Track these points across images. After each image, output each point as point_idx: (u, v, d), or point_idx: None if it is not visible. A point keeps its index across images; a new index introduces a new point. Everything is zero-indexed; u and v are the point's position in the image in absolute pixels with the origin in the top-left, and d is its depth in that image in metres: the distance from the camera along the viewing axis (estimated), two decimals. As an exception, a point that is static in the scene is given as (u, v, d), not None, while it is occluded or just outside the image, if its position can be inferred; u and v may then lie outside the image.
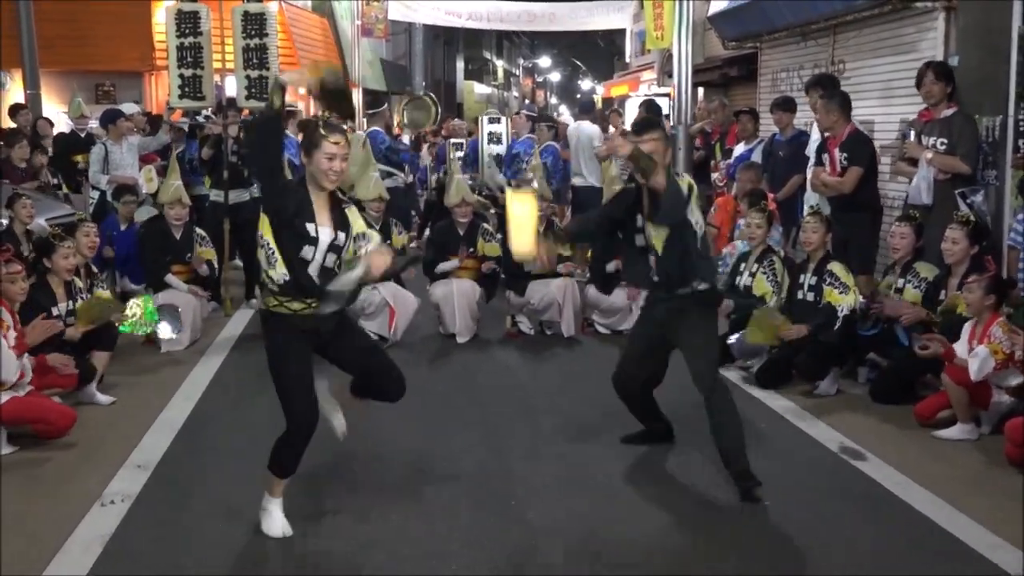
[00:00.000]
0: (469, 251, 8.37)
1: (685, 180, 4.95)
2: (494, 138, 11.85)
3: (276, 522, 4.31)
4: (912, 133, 7.17)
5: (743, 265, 7.37)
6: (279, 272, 4.16)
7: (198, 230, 8.45)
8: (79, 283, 6.64)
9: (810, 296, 6.69)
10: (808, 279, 6.74)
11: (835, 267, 6.58)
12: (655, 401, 5.44)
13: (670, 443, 5.47)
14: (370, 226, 4.68)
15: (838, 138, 7.42)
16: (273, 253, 4.17)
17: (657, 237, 4.89)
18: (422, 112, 11.91)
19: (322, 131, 4.18)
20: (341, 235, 4.27)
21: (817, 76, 8.95)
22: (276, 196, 4.22)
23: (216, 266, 8.58)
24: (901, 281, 6.58)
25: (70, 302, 6.45)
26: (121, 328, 6.72)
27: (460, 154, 11.75)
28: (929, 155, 6.83)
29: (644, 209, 4.96)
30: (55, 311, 6.34)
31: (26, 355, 5.72)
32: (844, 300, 6.45)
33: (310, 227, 4.19)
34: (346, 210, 4.36)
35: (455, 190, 8.50)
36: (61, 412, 5.64)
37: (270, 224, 4.19)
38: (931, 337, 5.78)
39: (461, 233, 8.41)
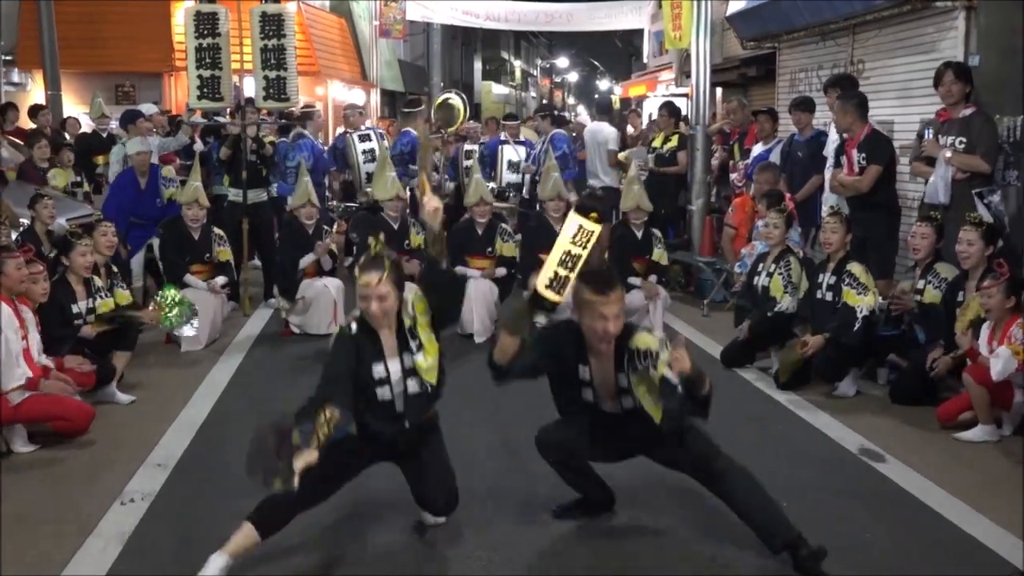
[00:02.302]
0: (488, 251, 8.38)
1: (652, 337, 4.18)
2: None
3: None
4: (929, 132, 7.12)
5: (761, 265, 7.35)
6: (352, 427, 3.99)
7: (216, 230, 8.48)
8: (98, 281, 6.67)
9: (828, 296, 6.65)
10: (827, 279, 6.69)
11: (854, 268, 6.54)
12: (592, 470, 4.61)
13: (610, 513, 4.65)
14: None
15: (856, 138, 7.38)
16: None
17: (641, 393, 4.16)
18: (449, 111, 11.90)
19: (356, 271, 4.02)
20: (408, 358, 4.10)
21: (836, 76, 8.91)
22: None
23: (234, 266, 8.61)
24: (922, 282, 6.54)
25: (90, 300, 6.49)
26: (162, 324, 6.93)
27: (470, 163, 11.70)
28: (948, 154, 6.78)
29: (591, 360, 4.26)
30: (75, 309, 6.38)
31: (45, 356, 5.77)
32: (863, 301, 6.41)
33: (378, 368, 4.06)
34: (406, 319, 4.10)
35: (474, 190, 8.50)
36: (80, 408, 5.68)
37: None
38: (942, 360, 5.91)
39: (480, 233, 8.42)
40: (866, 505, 4.73)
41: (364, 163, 10.70)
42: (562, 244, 3.86)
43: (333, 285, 8.43)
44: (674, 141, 10.93)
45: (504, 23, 21.70)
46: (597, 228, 3.83)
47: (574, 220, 3.86)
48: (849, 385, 6.57)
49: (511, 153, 11.49)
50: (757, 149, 9.79)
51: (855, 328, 6.37)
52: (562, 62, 57.66)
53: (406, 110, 11.98)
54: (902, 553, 4.23)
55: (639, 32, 23.63)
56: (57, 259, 6.72)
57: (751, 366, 7.26)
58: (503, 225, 8.73)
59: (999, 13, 7.31)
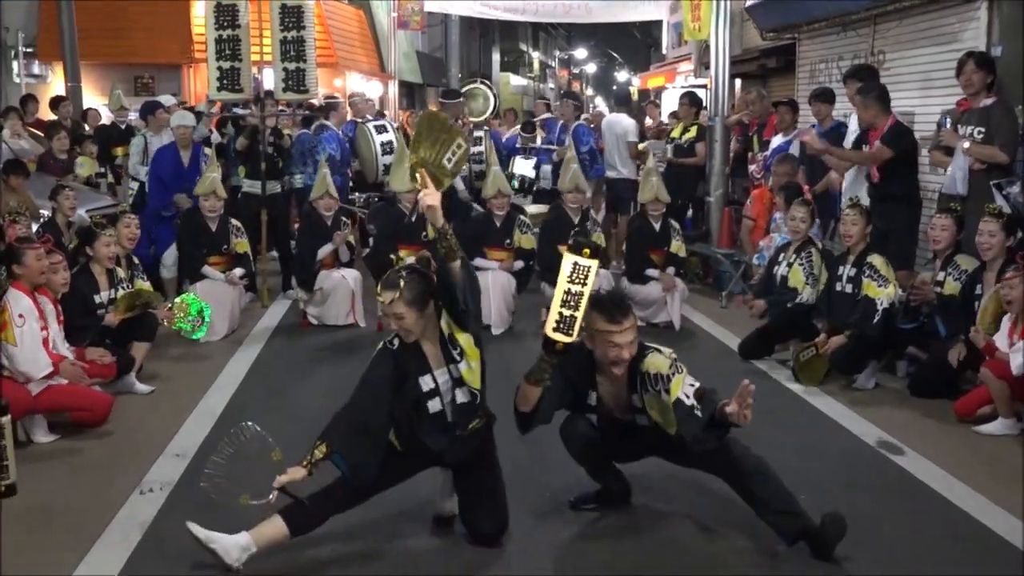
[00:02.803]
0: (506, 243, 8.39)
1: (663, 358, 4.14)
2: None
3: (224, 546, 3.94)
4: (948, 121, 7.08)
5: (782, 255, 7.32)
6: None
7: (233, 221, 8.50)
8: (121, 272, 6.72)
9: (848, 288, 6.62)
10: (847, 271, 6.66)
11: (875, 260, 6.50)
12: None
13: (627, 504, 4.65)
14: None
15: (880, 130, 7.34)
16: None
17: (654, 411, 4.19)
18: (479, 101, 11.91)
19: (378, 296, 4.03)
20: (453, 368, 4.09)
21: (855, 67, 8.85)
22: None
23: (251, 257, 8.65)
24: (942, 274, 6.50)
25: (112, 291, 6.53)
26: (176, 327, 6.91)
27: (477, 149, 11.69)
28: (966, 144, 6.74)
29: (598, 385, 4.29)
30: (97, 299, 6.43)
31: (67, 346, 5.82)
32: (883, 293, 6.37)
33: (425, 380, 4.06)
34: (447, 330, 4.08)
35: (492, 182, 8.51)
36: (98, 398, 5.72)
37: None
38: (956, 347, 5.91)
39: (498, 225, 8.43)
40: (884, 498, 4.71)
41: (383, 155, 10.74)
42: (561, 284, 3.79)
43: (351, 276, 8.45)
44: (693, 132, 10.90)
45: (522, 15, 21.59)
46: (594, 263, 3.77)
47: (568, 259, 3.80)
48: (868, 377, 6.55)
49: (522, 167, 11.53)
50: (777, 141, 9.74)
51: (875, 320, 6.34)
52: (580, 53, 57.53)
53: (444, 100, 11.95)
54: (920, 546, 4.21)
55: (658, 23, 23.50)
56: (76, 250, 6.75)
57: (769, 358, 7.24)
58: (521, 217, 8.73)
59: (1022, 3, 7.25)
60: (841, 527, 4.03)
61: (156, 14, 17.62)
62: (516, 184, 11.17)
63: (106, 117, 12.75)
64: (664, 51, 23.24)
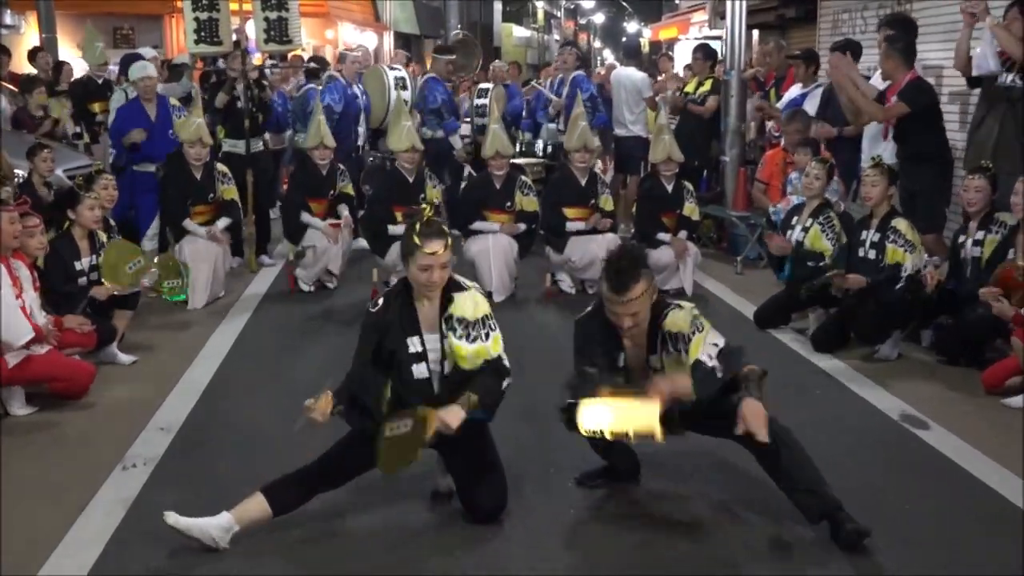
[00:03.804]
0: (507, 205, 8.38)
1: (684, 314, 4.14)
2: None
3: (204, 531, 3.94)
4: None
5: (795, 219, 7.28)
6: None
7: (219, 167, 8.41)
8: (102, 236, 6.71)
9: (872, 254, 6.57)
10: (871, 236, 6.61)
11: (900, 224, 6.47)
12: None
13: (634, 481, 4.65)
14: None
15: (897, 85, 7.31)
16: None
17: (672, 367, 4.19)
18: (466, 57, 11.87)
19: (416, 239, 3.93)
20: (450, 335, 4.05)
21: (894, 15, 8.76)
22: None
23: (240, 205, 8.57)
24: (981, 233, 6.39)
25: (93, 256, 6.53)
26: (159, 286, 7.07)
27: (482, 102, 11.68)
28: (993, 21, 6.68)
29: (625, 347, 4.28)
30: (78, 265, 6.43)
31: (44, 315, 5.82)
32: (908, 259, 6.34)
33: (413, 342, 4.04)
34: (455, 296, 4.06)
35: (491, 142, 8.47)
36: (79, 368, 5.74)
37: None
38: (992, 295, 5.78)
39: (498, 187, 8.41)
40: (907, 474, 4.73)
41: (395, 88, 10.84)
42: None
43: (343, 237, 8.45)
44: (707, 86, 10.84)
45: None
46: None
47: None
48: (891, 348, 6.55)
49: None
50: (792, 92, 9.67)
51: (898, 286, 6.33)
52: (587, 3, 57.20)
53: (436, 55, 11.89)
54: (945, 523, 4.23)
55: (671, -30, 23.37)
56: (53, 213, 6.73)
57: (787, 327, 7.23)
58: (523, 178, 8.70)
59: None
60: (860, 535, 3.97)
61: (135, -39, 17.52)
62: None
63: (80, 71, 12.59)
64: (677, 0, 23.09)
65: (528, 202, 8.45)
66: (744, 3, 10.54)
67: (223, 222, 8.21)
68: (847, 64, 7.79)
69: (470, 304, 4.07)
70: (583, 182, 8.42)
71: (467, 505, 4.26)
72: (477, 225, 8.32)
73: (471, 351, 4.05)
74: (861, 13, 10.55)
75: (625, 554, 4.03)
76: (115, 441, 5.07)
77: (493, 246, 8.16)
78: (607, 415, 3.97)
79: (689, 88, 11.22)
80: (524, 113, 12.14)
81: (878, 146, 7.64)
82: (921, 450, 5.05)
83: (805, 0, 12.69)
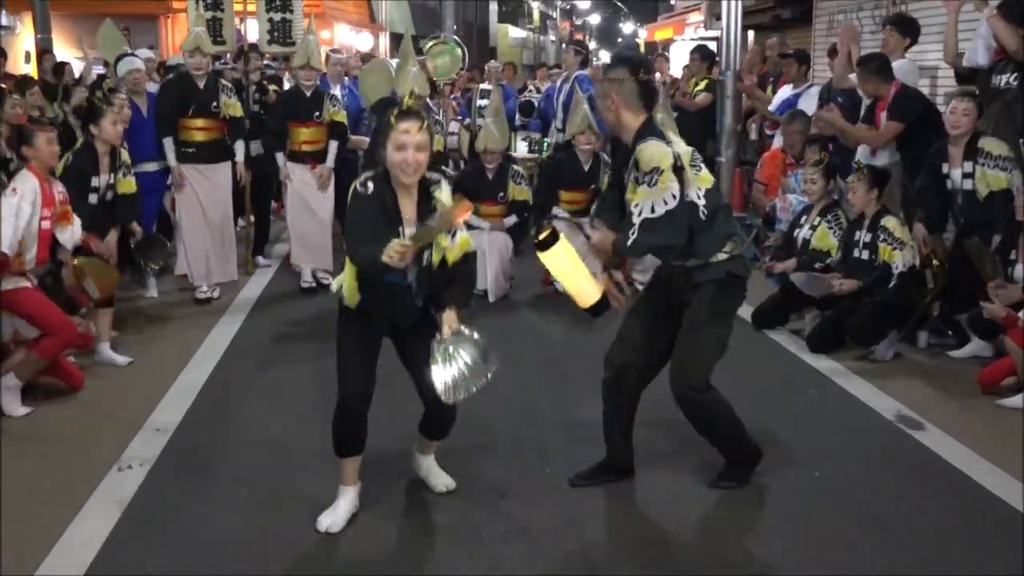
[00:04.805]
0: (500, 196, 8.38)
1: (668, 152, 4.16)
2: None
3: (327, 516, 4.19)
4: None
5: (804, 218, 7.33)
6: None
7: (224, 80, 8.30)
8: (124, 155, 6.76)
9: (865, 255, 6.66)
10: (863, 236, 6.70)
11: (889, 222, 6.53)
12: (635, 411, 4.67)
13: (630, 480, 4.69)
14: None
15: (885, 100, 7.35)
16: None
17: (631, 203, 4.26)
18: (448, 58, 11.80)
19: (392, 118, 3.90)
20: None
21: (898, 14, 8.77)
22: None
23: (245, 125, 8.41)
24: (969, 164, 6.42)
25: (111, 176, 6.53)
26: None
27: (484, 103, 11.66)
28: (990, 12, 6.68)
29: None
30: (94, 182, 6.48)
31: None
32: (898, 256, 6.42)
33: (394, 233, 3.96)
34: (435, 192, 4.05)
35: (482, 137, 8.45)
36: (68, 325, 5.66)
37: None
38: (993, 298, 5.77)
39: (490, 178, 8.40)
40: (903, 475, 4.73)
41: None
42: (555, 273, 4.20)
43: (326, 212, 8.50)
44: (703, 86, 10.84)
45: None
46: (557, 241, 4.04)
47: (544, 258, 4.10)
48: (886, 349, 6.56)
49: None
50: (784, 92, 9.68)
51: (891, 284, 6.37)
52: (583, 3, 57.24)
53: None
54: (941, 525, 4.23)
55: (666, -29, 23.39)
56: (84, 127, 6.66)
57: (783, 328, 7.25)
58: (515, 167, 8.66)
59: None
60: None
61: (131, -39, 17.51)
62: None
63: (77, 71, 12.57)
64: (673, 1, 23.12)
65: (520, 191, 8.43)
66: (740, 4, 10.56)
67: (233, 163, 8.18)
68: (834, 117, 7.82)
69: (449, 198, 4.12)
70: (587, 166, 8.34)
71: (426, 399, 4.26)
72: (471, 219, 8.29)
73: (456, 246, 4.08)
74: (856, 14, 10.57)
75: (623, 554, 4.04)
76: (111, 442, 5.06)
77: (489, 246, 8.15)
78: (564, 265, 4.13)
79: (688, 88, 11.22)
80: (535, 114, 12.14)
81: (877, 156, 7.64)
82: (916, 451, 5.06)
83: (801, 1, 12.71)
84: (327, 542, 4.09)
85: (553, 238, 3.99)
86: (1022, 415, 5.44)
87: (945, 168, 6.60)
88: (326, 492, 4.32)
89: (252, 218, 9.54)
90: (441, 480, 4.51)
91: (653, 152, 4.13)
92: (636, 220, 4.13)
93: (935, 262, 6.57)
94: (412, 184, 3.97)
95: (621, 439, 4.62)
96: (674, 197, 4.10)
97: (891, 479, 4.68)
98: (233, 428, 5.35)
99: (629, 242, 4.15)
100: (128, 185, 6.86)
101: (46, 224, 5.68)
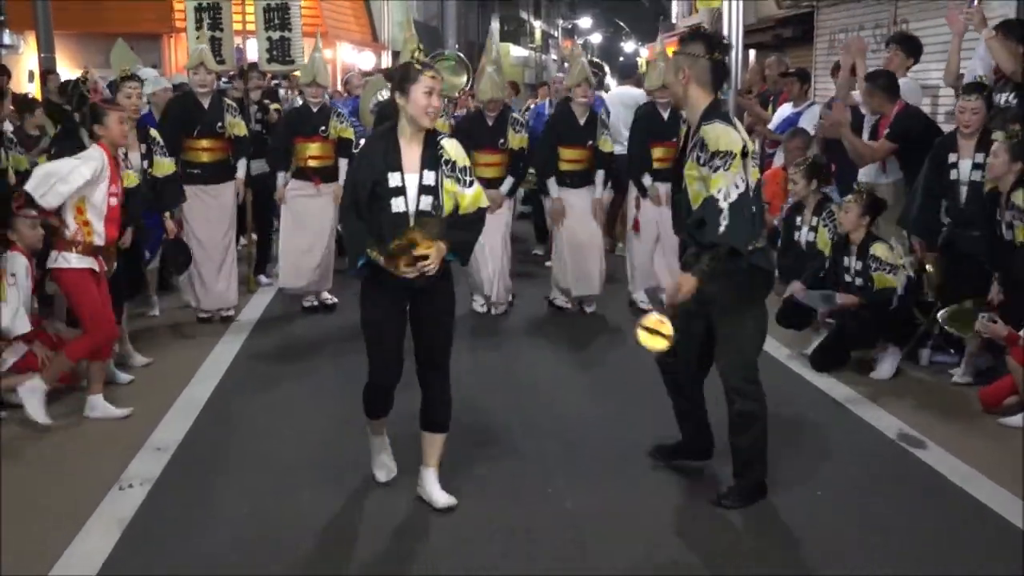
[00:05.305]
0: (500, 143, 8.30)
1: (737, 137, 4.27)
2: None
3: (379, 471, 4.75)
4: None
5: (799, 219, 7.32)
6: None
7: (228, 100, 8.28)
8: (154, 133, 6.88)
9: (859, 281, 6.66)
10: (853, 263, 6.70)
11: (878, 250, 6.55)
12: (703, 400, 4.86)
13: (705, 461, 4.95)
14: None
15: (888, 118, 7.37)
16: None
17: (689, 178, 4.39)
18: (450, 74, 11.82)
19: (418, 67, 4.30)
20: (429, 174, 4.30)
21: (901, 33, 8.80)
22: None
23: (248, 143, 8.36)
24: (980, 156, 6.36)
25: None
26: None
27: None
28: (989, 34, 6.71)
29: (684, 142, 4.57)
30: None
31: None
32: (897, 282, 6.49)
33: (393, 177, 4.26)
34: (442, 142, 4.38)
35: (486, 85, 8.35)
36: (103, 322, 5.74)
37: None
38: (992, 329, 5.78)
39: (490, 124, 8.32)
40: (904, 494, 4.72)
41: None
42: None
43: (324, 236, 8.36)
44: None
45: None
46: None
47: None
48: (888, 368, 6.55)
49: None
50: (785, 110, 9.70)
51: (894, 305, 6.45)
52: (585, 22, 57.39)
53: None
54: (942, 544, 4.22)
55: (668, -10, 23.48)
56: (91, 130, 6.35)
57: (786, 348, 7.22)
58: (514, 115, 8.59)
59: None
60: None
61: (134, -20, 17.60)
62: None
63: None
64: (674, 20, 23.22)
65: (519, 139, 8.35)
66: (742, 23, 10.61)
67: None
68: (842, 116, 7.81)
69: (458, 150, 4.41)
70: (582, 121, 8.28)
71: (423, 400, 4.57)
72: None
73: (470, 197, 4.39)
74: (857, 33, 10.60)
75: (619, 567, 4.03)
76: (111, 461, 5.06)
77: (490, 253, 8.16)
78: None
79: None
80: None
81: (878, 174, 7.65)
82: (919, 470, 5.05)
83: (802, 20, 12.75)
84: (329, 554, 4.09)
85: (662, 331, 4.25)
86: (1022, 434, 5.44)
87: (953, 158, 6.59)
88: (328, 509, 4.32)
89: (254, 236, 9.54)
90: (443, 498, 4.52)
91: (722, 134, 4.23)
92: (724, 204, 4.17)
93: (929, 268, 6.59)
94: (423, 131, 4.33)
95: (692, 428, 4.87)
96: (743, 182, 4.22)
97: (893, 497, 4.67)
98: (234, 446, 5.35)
99: (722, 229, 4.17)
100: (165, 167, 6.86)
101: (114, 201, 5.76)
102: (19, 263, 5.84)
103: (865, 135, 7.77)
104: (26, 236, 5.92)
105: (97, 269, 5.73)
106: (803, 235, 7.26)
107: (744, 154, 4.24)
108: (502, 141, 8.27)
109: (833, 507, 4.55)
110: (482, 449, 5.21)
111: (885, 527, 4.35)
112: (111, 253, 6.11)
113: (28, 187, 5.44)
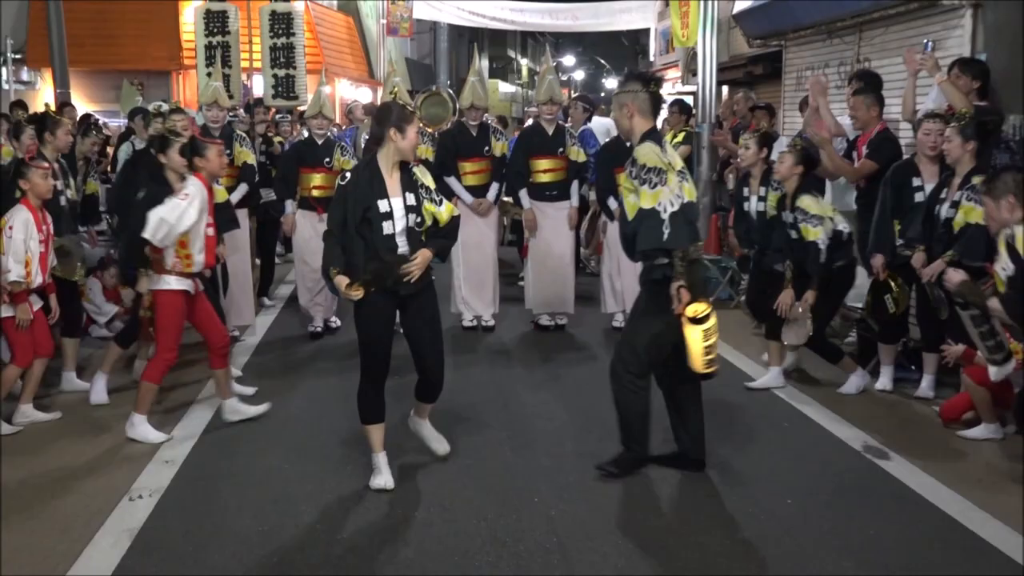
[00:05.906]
0: (485, 150, 8.33)
1: (657, 151, 4.74)
2: None
3: (378, 478, 4.80)
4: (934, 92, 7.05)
5: (746, 189, 7.19)
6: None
7: (238, 131, 8.23)
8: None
9: (794, 234, 6.44)
10: (788, 217, 6.49)
11: (803, 202, 6.34)
12: (695, 413, 5.08)
13: (698, 474, 5.04)
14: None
15: (868, 135, 7.35)
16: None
17: (624, 191, 4.93)
18: (439, 107, 11.84)
19: (420, 111, 4.55)
20: (410, 195, 4.73)
21: (862, 70, 8.86)
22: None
23: (256, 170, 8.34)
24: (958, 194, 6.09)
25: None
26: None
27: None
28: (941, 78, 6.74)
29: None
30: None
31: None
32: (821, 232, 6.24)
33: (382, 204, 4.66)
34: (414, 169, 4.82)
35: (467, 93, 8.41)
36: (170, 349, 5.76)
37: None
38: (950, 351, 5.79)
39: (474, 135, 8.35)
40: (870, 502, 4.73)
41: None
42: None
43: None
44: (680, 138, 10.92)
45: (510, 24, 21.78)
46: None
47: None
48: (854, 383, 6.56)
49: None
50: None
51: (821, 260, 6.25)
52: (568, 60, 57.57)
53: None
54: (906, 551, 4.23)
55: (646, 30, 23.61)
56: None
57: (755, 362, 7.23)
58: (495, 125, 8.66)
59: (1006, 11, 7.28)
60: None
61: (145, 21, 17.66)
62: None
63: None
64: (652, 58, 23.30)
65: (502, 147, 8.44)
66: (715, 61, 10.68)
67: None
68: (826, 126, 7.82)
69: (426, 175, 4.90)
70: (550, 132, 8.34)
71: (419, 381, 5.07)
72: (452, 184, 8.24)
73: (445, 211, 4.87)
74: (823, 70, 10.67)
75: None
76: (121, 473, 5.05)
77: (480, 265, 8.25)
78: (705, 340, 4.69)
79: (667, 139, 11.27)
80: None
81: (848, 194, 7.67)
82: (883, 479, 5.06)
83: (771, 58, 12.82)
84: (330, 564, 4.07)
85: (706, 316, 4.60)
86: (981, 446, 5.47)
87: (917, 182, 6.57)
88: (327, 519, 4.31)
89: (258, 261, 9.54)
90: (441, 445, 5.19)
91: (648, 151, 4.72)
92: (665, 216, 4.63)
93: (894, 287, 6.49)
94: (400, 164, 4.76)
95: (683, 433, 5.07)
96: (678, 198, 4.68)
97: (858, 506, 4.68)
98: (240, 459, 5.33)
99: (666, 236, 4.63)
100: (220, 195, 6.79)
101: (211, 231, 5.82)
102: (19, 217, 5.70)
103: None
104: (38, 185, 5.83)
105: (192, 291, 5.71)
106: (752, 205, 7.11)
107: (680, 172, 4.75)
108: (487, 148, 8.34)
109: (801, 515, 4.55)
110: (470, 460, 5.21)
111: (851, 533, 4.35)
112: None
113: (146, 234, 5.40)
